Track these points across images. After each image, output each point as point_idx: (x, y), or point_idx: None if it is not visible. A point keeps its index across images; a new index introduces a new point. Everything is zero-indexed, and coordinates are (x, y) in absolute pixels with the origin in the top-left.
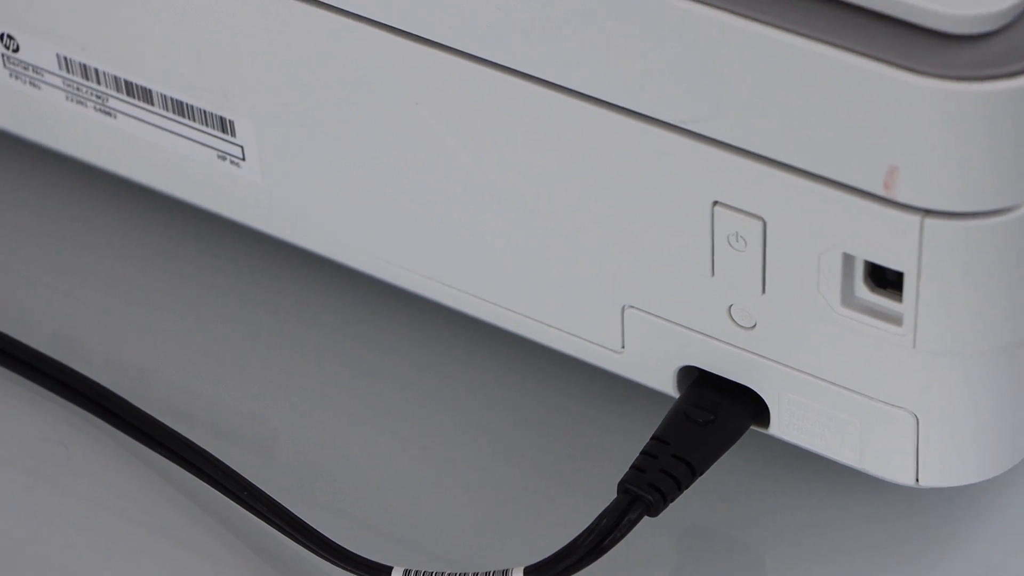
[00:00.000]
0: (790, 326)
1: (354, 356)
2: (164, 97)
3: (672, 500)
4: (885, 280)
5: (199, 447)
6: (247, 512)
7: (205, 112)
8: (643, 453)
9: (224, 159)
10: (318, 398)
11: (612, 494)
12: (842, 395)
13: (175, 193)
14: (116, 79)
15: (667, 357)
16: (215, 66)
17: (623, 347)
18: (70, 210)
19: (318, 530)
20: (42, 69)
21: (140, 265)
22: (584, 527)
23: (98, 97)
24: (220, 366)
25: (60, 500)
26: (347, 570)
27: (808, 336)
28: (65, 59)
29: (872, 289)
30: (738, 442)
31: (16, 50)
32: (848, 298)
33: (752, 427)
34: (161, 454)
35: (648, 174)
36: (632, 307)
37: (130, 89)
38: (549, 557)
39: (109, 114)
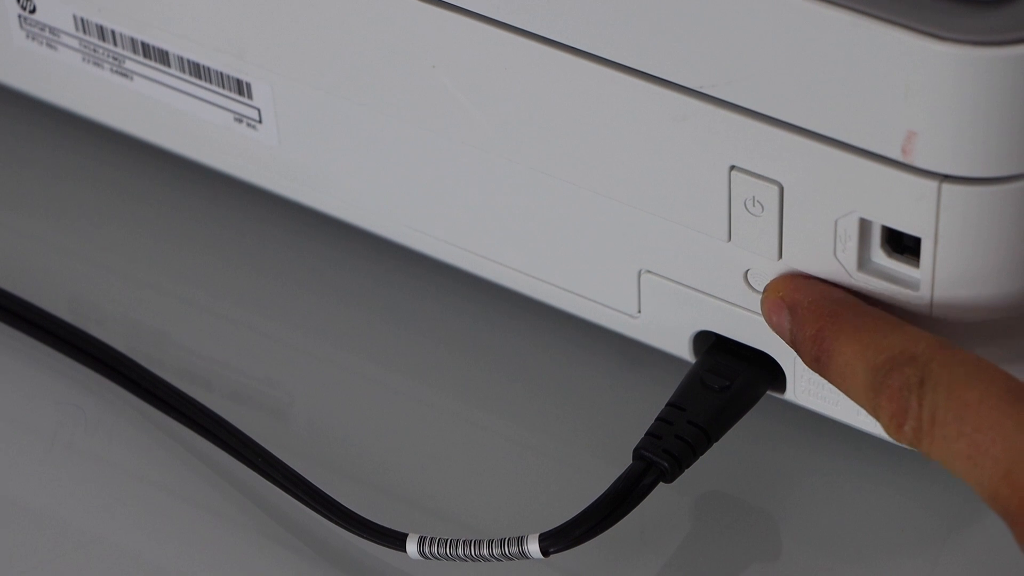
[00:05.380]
0: None
1: (369, 321)
2: (181, 59)
3: (687, 466)
4: (902, 245)
5: (215, 413)
6: (262, 478)
7: (222, 74)
8: (658, 419)
9: (241, 122)
10: (333, 363)
11: (627, 460)
12: None
13: (191, 155)
14: (133, 41)
15: (683, 322)
16: (232, 28)
17: (639, 311)
18: (86, 174)
19: (333, 497)
20: (59, 30)
21: (156, 229)
22: (599, 493)
23: (114, 59)
24: (236, 331)
25: (76, 463)
26: (362, 536)
27: None
28: (82, 20)
29: (889, 254)
30: (754, 408)
31: (33, 11)
32: (865, 263)
33: (768, 393)
34: (176, 419)
35: (666, 138)
36: (648, 271)
37: (147, 51)
38: (564, 523)
39: (126, 76)
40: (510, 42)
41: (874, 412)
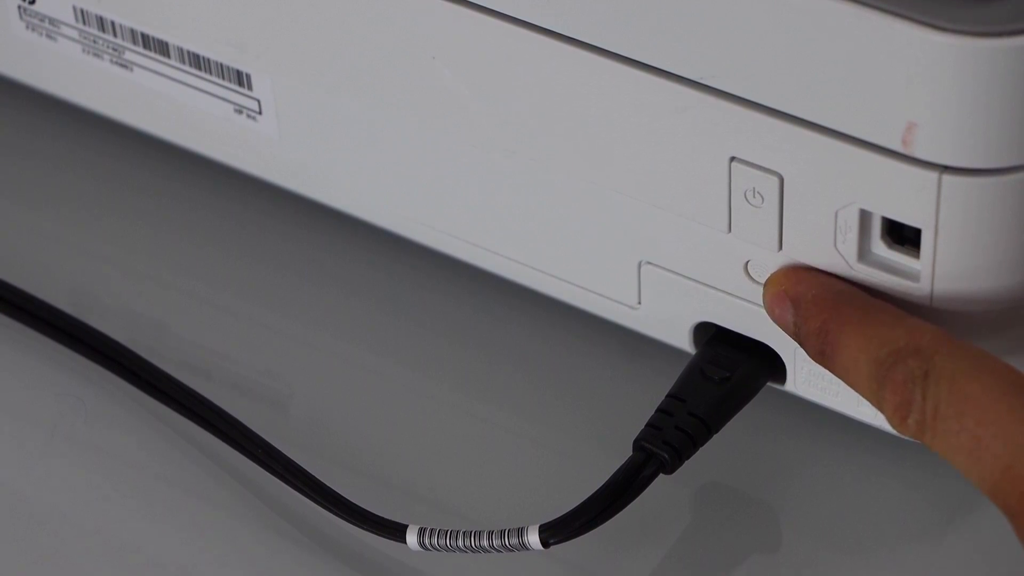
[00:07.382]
0: None
1: (369, 312)
2: (181, 50)
3: (687, 458)
4: (902, 237)
5: (215, 404)
6: (262, 469)
7: (222, 65)
8: (658, 410)
9: (241, 113)
10: (333, 355)
11: (627, 451)
12: None
13: (191, 147)
14: (132, 32)
15: (683, 313)
16: (232, 19)
17: (639, 303)
18: (86, 165)
19: (333, 488)
20: (58, 21)
21: (156, 220)
22: (599, 485)
23: (114, 50)
24: (236, 322)
25: (76, 455)
26: (362, 528)
27: None
28: (81, 11)
29: (889, 245)
30: (754, 399)
31: (33, 2)
32: (865, 254)
33: (768, 384)
34: (177, 411)
35: (666, 130)
36: (649, 263)
37: (146, 42)
38: (564, 515)
39: (125, 67)
40: (510, 33)
41: (878, 405)
